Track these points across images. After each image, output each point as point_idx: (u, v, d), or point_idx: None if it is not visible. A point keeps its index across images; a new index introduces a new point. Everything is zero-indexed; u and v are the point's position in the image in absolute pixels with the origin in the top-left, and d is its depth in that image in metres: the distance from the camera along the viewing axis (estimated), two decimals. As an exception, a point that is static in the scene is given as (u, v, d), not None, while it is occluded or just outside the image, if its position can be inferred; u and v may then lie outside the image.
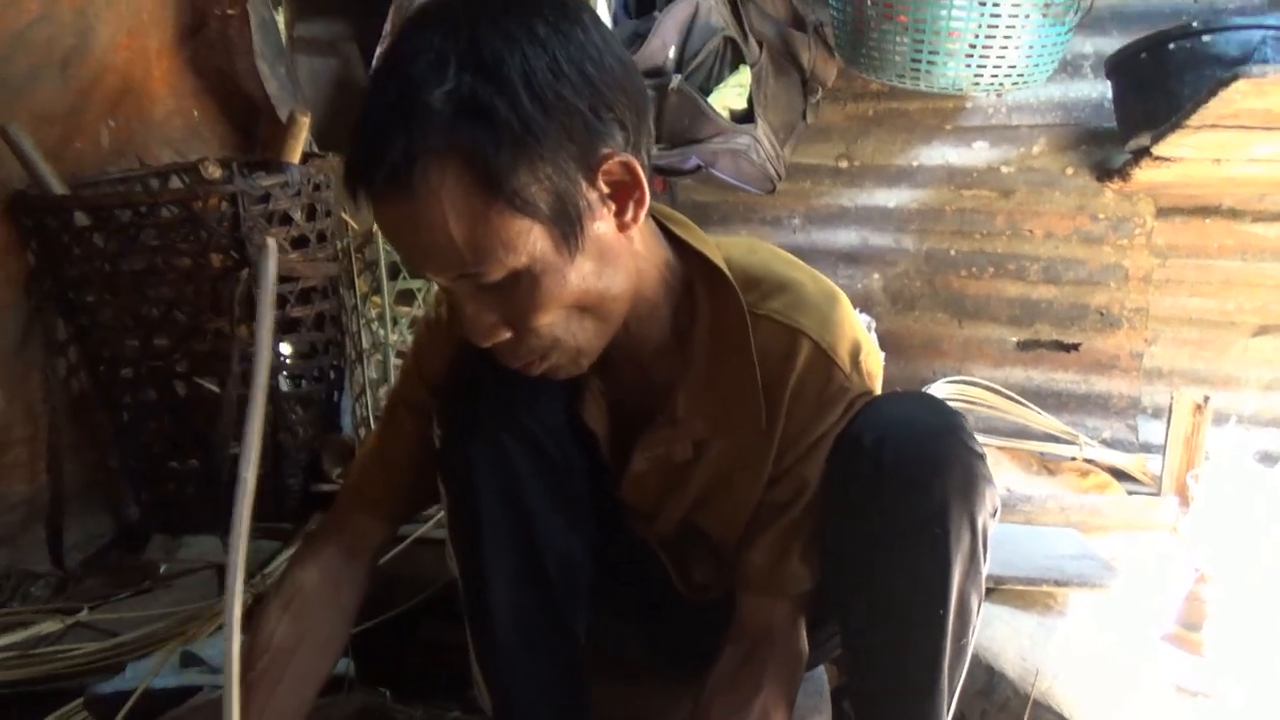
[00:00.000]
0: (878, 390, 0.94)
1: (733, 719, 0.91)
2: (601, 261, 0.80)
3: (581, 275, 0.79)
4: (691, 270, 0.91)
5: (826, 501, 0.92)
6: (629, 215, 0.80)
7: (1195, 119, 1.56)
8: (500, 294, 0.78)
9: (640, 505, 1.01)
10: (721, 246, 0.93)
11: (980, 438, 0.89)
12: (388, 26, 1.94)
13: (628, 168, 0.78)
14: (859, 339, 0.92)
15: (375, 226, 1.84)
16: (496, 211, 0.72)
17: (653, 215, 0.88)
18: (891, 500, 0.84)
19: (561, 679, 0.96)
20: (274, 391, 1.65)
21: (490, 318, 0.79)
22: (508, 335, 0.81)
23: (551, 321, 0.80)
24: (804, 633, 0.99)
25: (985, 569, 0.88)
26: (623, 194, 0.79)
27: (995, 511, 0.87)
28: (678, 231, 0.91)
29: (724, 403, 0.91)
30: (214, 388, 1.60)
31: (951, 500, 0.83)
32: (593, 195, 0.77)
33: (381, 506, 1.05)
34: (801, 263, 0.96)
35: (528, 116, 0.71)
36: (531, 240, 0.74)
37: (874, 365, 0.93)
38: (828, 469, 0.91)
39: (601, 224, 0.79)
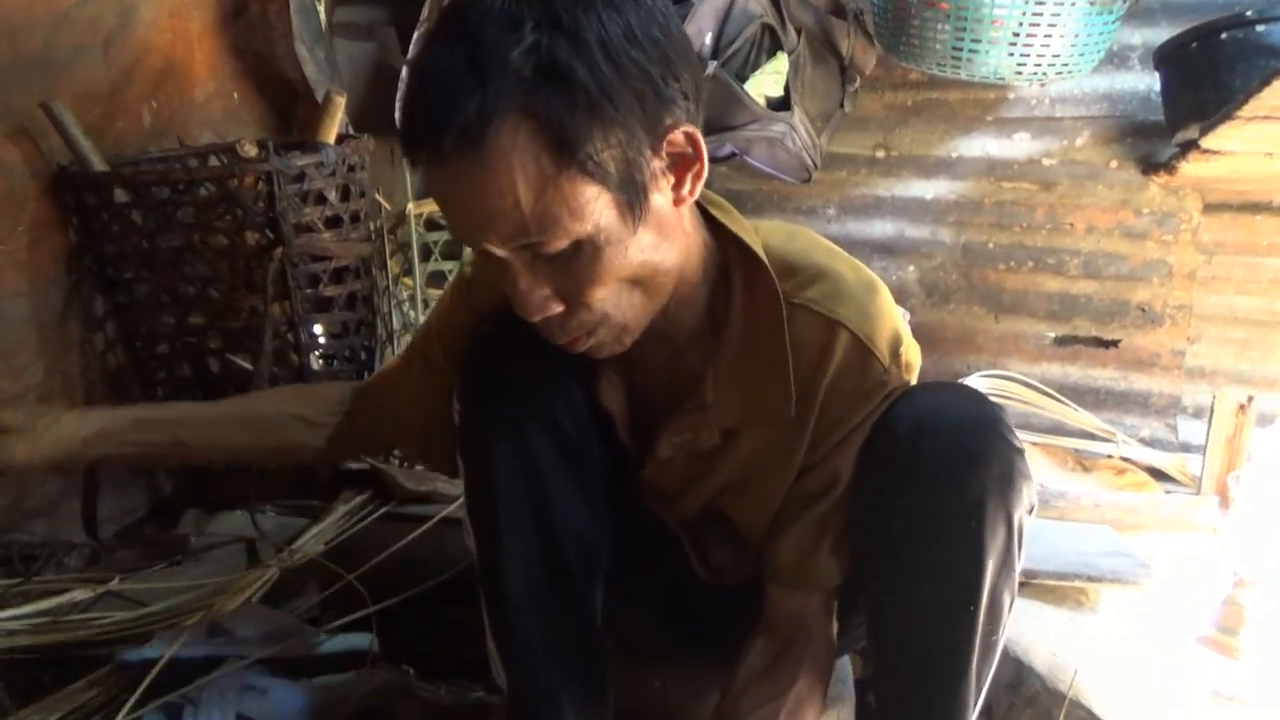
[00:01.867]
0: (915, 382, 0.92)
1: (766, 708, 0.91)
2: (659, 234, 0.79)
3: (640, 248, 0.78)
4: (728, 255, 0.90)
5: (858, 490, 0.90)
6: (686, 188, 0.79)
7: (1246, 110, 1.51)
8: (558, 265, 0.76)
9: (664, 490, 1.00)
10: (760, 231, 0.91)
11: (1014, 433, 0.86)
12: (425, 12, 1.95)
13: (691, 138, 0.77)
14: (898, 330, 0.90)
15: (408, 208, 1.84)
16: (568, 177, 0.71)
17: None
18: (926, 492, 0.83)
19: (579, 656, 0.94)
20: (305, 370, 1.66)
21: (544, 291, 0.78)
22: (559, 310, 0.79)
23: (605, 295, 0.79)
24: (834, 625, 0.98)
25: (1019, 566, 0.86)
26: (682, 166, 0.78)
27: (1032, 508, 0.85)
28: (716, 214, 0.90)
29: (754, 391, 0.90)
30: (246, 365, 1.62)
31: (989, 495, 0.81)
32: (656, 165, 0.76)
33: (363, 417, 1.10)
34: (841, 251, 0.94)
35: (605, 80, 0.70)
36: (598, 208, 0.73)
37: (913, 357, 0.92)
38: (861, 457, 0.90)
39: (660, 196, 0.78)
